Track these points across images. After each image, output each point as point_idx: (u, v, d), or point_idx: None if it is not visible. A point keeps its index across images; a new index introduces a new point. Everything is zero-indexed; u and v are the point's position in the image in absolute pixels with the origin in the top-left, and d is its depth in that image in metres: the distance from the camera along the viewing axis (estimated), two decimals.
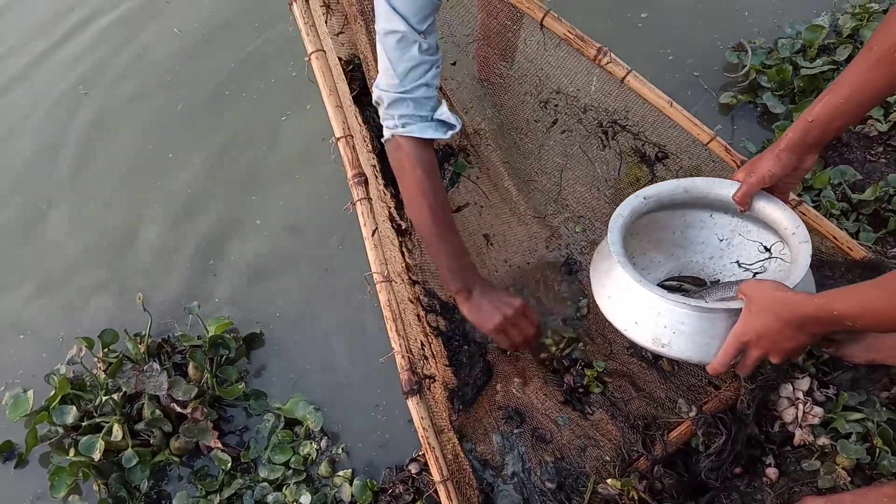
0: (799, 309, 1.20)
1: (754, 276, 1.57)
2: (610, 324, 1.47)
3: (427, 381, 1.63)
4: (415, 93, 1.48)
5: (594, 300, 1.54)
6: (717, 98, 2.33)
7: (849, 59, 2.27)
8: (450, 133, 1.56)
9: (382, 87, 1.52)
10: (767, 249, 1.55)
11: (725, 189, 1.48)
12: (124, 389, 2.00)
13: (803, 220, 1.65)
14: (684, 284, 1.66)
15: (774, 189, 1.45)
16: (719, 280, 1.63)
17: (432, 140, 1.57)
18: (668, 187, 1.55)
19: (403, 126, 1.53)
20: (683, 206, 1.60)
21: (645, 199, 1.53)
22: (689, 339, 1.34)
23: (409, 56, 1.44)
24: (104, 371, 2.09)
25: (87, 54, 3.10)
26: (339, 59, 1.92)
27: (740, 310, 1.27)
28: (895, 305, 1.09)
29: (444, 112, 1.55)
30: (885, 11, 2.34)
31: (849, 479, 1.59)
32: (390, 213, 1.91)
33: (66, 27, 3.21)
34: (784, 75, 2.26)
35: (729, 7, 2.54)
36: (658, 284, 1.61)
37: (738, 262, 1.62)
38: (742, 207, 1.48)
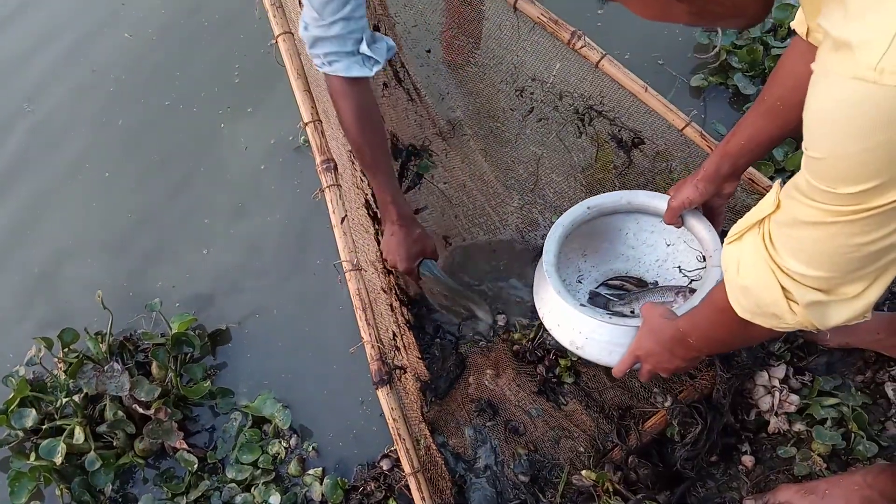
0: (668, 333, 1.31)
1: (690, 282, 1.66)
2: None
3: (398, 371, 1.59)
4: (333, 28, 1.43)
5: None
6: (688, 82, 2.30)
7: None
8: (375, 69, 1.52)
9: (306, 22, 1.48)
10: (704, 259, 1.63)
11: (663, 203, 1.57)
12: (85, 390, 1.94)
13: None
14: (626, 284, 1.75)
15: (706, 208, 1.53)
16: (657, 283, 1.73)
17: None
18: (611, 199, 1.64)
19: (330, 64, 1.50)
20: (637, 211, 1.67)
21: (588, 208, 1.64)
22: (598, 345, 1.51)
23: None
24: (64, 372, 2.02)
25: (38, 61, 2.93)
26: None
27: (637, 328, 1.42)
28: (711, 319, 1.17)
29: (366, 47, 1.50)
30: None
31: (825, 465, 1.58)
32: (366, 200, 1.86)
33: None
34: (755, 55, 2.23)
35: None
36: (603, 282, 1.78)
37: (679, 267, 1.71)
38: (674, 226, 1.59)
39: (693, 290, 1.55)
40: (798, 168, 2.02)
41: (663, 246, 1.73)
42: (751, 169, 1.65)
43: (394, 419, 1.50)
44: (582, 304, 1.54)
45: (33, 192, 2.61)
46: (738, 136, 1.37)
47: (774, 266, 0.91)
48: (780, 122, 1.29)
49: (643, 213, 1.66)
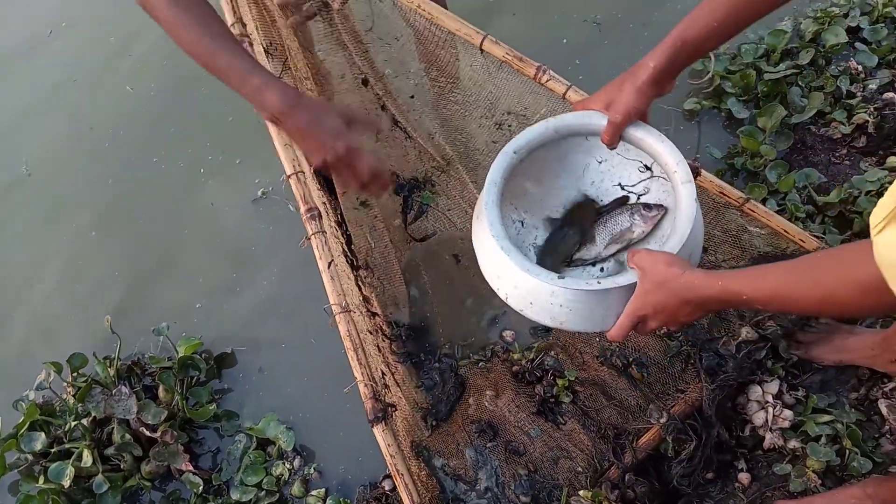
0: (700, 292, 1.16)
1: (638, 197, 1.50)
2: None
3: (390, 409, 1.62)
4: None
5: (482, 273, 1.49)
6: (682, 106, 2.34)
7: (811, 62, 2.28)
8: None
9: None
10: (648, 168, 1.48)
11: (597, 121, 1.38)
12: (94, 414, 1.99)
13: (753, 217, 1.65)
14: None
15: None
16: (602, 201, 1.55)
17: None
18: (537, 131, 1.45)
19: None
20: (565, 136, 1.48)
21: (515, 152, 1.44)
22: (584, 315, 1.33)
23: None
24: (73, 396, 2.06)
25: (40, 117, 2.98)
26: None
27: (633, 284, 1.25)
28: (806, 288, 1.06)
29: None
30: (845, 15, 2.37)
31: (819, 481, 1.59)
32: (343, 249, 1.91)
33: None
34: (748, 80, 2.27)
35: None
36: (547, 218, 1.56)
37: (619, 184, 1.54)
38: (612, 146, 1.40)
39: (647, 205, 1.42)
40: (790, 190, 2.02)
41: (595, 165, 1.54)
42: (721, 183, 1.65)
43: (391, 455, 1.53)
44: (560, 276, 1.30)
45: (22, 252, 2.67)
46: (709, 17, 1.20)
47: None
48: None
49: (570, 135, 1.46)
